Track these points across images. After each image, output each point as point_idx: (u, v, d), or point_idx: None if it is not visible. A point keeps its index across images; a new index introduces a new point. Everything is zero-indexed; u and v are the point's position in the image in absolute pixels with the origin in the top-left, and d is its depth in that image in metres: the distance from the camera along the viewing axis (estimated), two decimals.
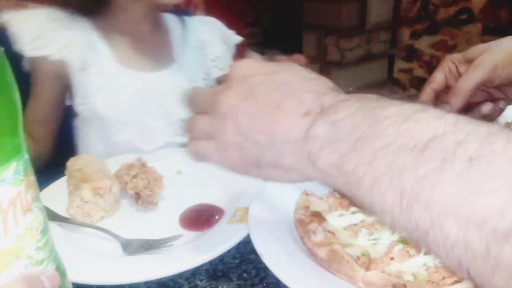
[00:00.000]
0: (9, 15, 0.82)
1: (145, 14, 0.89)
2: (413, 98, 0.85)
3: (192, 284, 0.48)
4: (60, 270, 0.35)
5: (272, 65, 0.40)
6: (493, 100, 0.62)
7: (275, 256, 0.46)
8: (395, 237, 0.46)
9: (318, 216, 0.50)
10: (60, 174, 0.69)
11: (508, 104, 0.62)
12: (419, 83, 2.89)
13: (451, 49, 2.61)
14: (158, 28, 0.96)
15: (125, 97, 0.86)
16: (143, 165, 0.67)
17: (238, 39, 1.07)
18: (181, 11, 1.02)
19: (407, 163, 0.27)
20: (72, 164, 0.67)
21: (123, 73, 0.87)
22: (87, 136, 0.90)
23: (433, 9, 2.69)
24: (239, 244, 0.53)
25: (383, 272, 0.41)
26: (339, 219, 0.50)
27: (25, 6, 0.86)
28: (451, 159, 0.26)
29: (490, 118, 0.62)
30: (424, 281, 0.39)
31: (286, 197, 0.57)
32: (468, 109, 0.61)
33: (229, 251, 0.52)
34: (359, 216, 0.50)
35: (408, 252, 0.43)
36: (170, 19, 0.99)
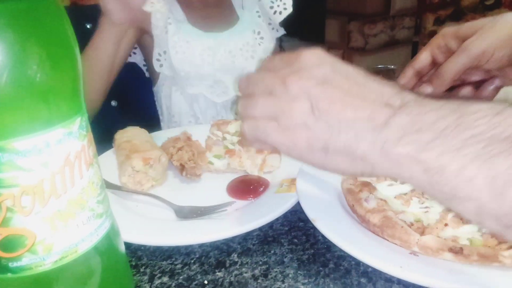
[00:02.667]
0: None
1: None
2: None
3: (245, 248, 0.50)
4: (115, 229, 0.37)
5: (340, 60, 0.39)
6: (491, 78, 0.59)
7: (327, 222, 0.48)
8: None
9: (368, 186, 0.51)
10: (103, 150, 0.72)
11: (506, 84, 0.59)
12: None
13: None
14: None
15: (198, 53, 0.94)
16: (189, 138, 0.69)
17: None
18: None
19: (500, 150, 0.27)
20: (120, 136, 0.70)
21: (195, 33, 0.96)
22: (170, 96, 1.01)
23: None
24: (286, 212, 0.55)
25: (439, 237, 0.42)
26: (389, 189, 0.51)
27: None
28: None
29: (489, 96, 0.60)
30: (480, 246, 0.40)
31: None
32: (450, 88, 0.59)
33: (277, 219, 0.54)
34: (409, 186, 0.51)
35: (461, 219, 0.44)
36: None
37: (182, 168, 0.64)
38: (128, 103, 1.17)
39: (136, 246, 0.51)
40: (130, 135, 0.68)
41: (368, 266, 0.45)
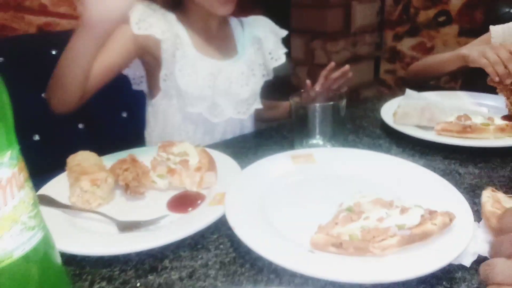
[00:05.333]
0: None
1: (212, 14, 1.08)
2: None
3: (176, 255, 0.58)
4: (48, 240, 0.44)
5: None
6: None
7: (244, 228, 0.56)
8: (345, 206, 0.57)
9: None
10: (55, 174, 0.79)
11: None
12: (403, 84, 3.00)
13: (430, 50, 2.72)
14: (225, 24, 1.17)
15: (201, 77, 1.05)
16: (134, 160, 0.77)
17: (284, 33, 1.23)
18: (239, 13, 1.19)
19: None
20: (71, 160, 0.76)
21: (200, 58, 1.07)
22: (167, 110, 1.12)
23: (413, 11, 2.80)
24: (218, 222, 0.62)
25: (327, 234, 0.50)
26: None
27: None
28: None
29: None
30: (357, 240, 0.49)
31: (257, 183, 0.67)
32: None
33: (209, 228, 0.62)
34: None
35: (351, 218, 0.53)
36: (231, 19, 1.20)
37: (126, 187, 0.71)
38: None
39: (81, 257, 0.57)
40: (80, 158, 0.75)
41: (277, 265, 0.53)
